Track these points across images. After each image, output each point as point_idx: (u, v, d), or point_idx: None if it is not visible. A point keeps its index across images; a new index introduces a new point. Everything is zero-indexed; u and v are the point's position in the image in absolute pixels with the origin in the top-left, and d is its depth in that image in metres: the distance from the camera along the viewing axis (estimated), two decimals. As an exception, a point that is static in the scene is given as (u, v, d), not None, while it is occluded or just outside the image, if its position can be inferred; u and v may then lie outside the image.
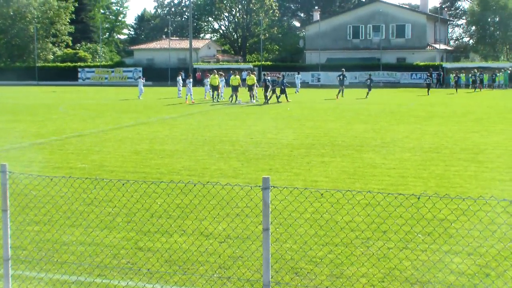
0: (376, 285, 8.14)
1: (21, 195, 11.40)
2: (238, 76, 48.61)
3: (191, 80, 49.87)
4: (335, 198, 11.31)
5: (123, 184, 7.06)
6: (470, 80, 71.68)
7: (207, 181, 14.69)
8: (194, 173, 16.45)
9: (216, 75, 49.39)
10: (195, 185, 7.29)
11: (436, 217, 9.96)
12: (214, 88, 49.11)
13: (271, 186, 6.51)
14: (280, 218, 10.95)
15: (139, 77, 55.78)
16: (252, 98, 48.17)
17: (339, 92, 53.25)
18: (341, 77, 54.47)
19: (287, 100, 47.26)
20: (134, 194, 11.84)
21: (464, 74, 74.38)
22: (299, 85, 66.27)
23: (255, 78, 50.70)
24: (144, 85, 55.94)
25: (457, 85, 68.78)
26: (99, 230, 10.66)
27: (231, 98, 47.99)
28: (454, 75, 71.78)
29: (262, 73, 57.32)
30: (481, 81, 70.74)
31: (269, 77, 51.14)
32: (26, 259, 9.27)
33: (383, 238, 10.01)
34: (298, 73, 69.30)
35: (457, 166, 17.44)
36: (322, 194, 9.57)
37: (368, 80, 55.52)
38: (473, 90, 67.96)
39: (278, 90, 47.88)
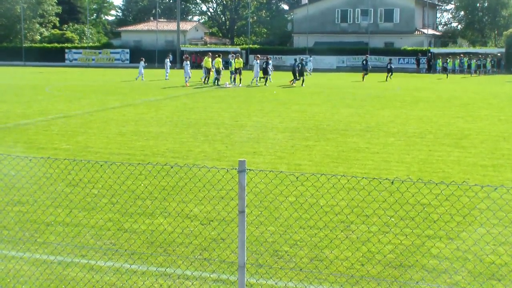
0: (351, 268, 8.27)
1: (0, 174, 11.43)
2: (220, 59, 48.18)
3: (188, 62, 48.97)
4: (311, 181, 11.41)
5: (101, 166, 7.13)
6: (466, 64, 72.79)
7: (186, 163, 14.77)
8: (179, 155, 16.53)
9: (217, 58, 48.26)
10: (172, 167, 7.37)
11: (409, 202, 10.08)
12: (207, 70, 48.39)
13: (247, 169, 6.59)
14: (257, 200, 11.05)
15: (141, 59, 55.65)
16: (239, 81, 47.97)
17: (364, 75, 56.81)
18: (364, 62, 58.81)
19: (292, 83, 48.11)
20: (112, 175, 11.90)
21: (451, 60, 74.71)
22: (311, 67, 66.96)
23: (242, 61, 50.46)
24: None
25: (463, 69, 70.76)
26: (79, 210, 10.73)
27: (215, 81, 47.65)
28: (467, 59, 73.28)
29: (254, 56, 56.90)
30: (484, 65, 72.26)
31: (270, 61, 51.76)
32: (7, 238, 9.34)
33: (358, 221, 10.14)
34: (311, 56, 69.60)
35: (440, 151, 17.59)
36: (297, 178, 9.68)
37: (389, 64, 60.09)
38: (477, 74, 69.36)
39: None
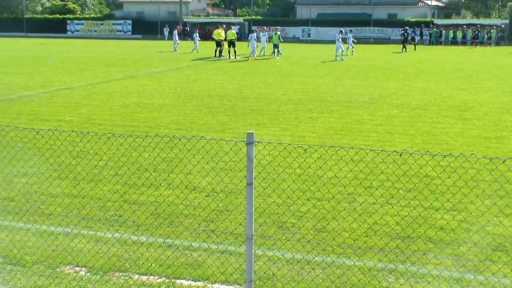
0: (357, 239, 8.29)
1: (8, 147, 11.44)
2: (219, 31, 47.24)
3: (254, 35, 46.76)
4: (319, 153, 11.41)
5: (109, 138, 7.13)
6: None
7: (193, 135, 14.78)
8: (182, 127, 16.52)
9: (231, 30, 46.75)
10: (180, 139, 7.35)
11: (417, 174, 10.09)
12: (219, 43, 46.90)
13: (255, 141, 6.56)
14: (264, 173, 11.06)
15: (196, 31, 56.21)
16: (234, 54, 46.31)
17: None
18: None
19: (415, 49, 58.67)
20: (120, 147, 11.92)
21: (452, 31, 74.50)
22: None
23: (236, 33, 48.75)
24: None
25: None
26: (85, 182, 10.76)
27: (216, 53, 46.93)
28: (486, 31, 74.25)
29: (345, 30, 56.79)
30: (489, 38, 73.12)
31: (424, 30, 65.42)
32: (14, 210, 9.36)
33: (366, 193, 10.15)
34: (421, 29, 69.68)
35: (444, 123, 17.56)
36: (305, 150, 9.67)
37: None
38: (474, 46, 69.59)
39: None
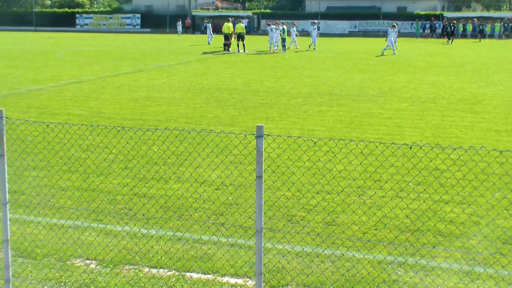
0: (367, 232, 8.29)
1: (18, 140, 11.48)
2: (230, 24, 47.06)
3: (274, 27, 46.81)
4: (328, 146, 11.39)
5: (118, 131, 7.13)
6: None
7: (203, 129, 14.80)
8: (192, 121, 16.53)
9: (239, 23, 46.82)
10: (189, 132, 7.36)
11: (427, 167, 10.06)
12: (227, 36, 46.67)
13: (265, 134, 6.55)
14: (274, 166, 11.06)
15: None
16: (243, 48, 46.05)
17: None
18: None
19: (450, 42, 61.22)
20: (130, 141, 11.94)
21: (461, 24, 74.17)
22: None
23: (244, 26, 48.41)
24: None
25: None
26: (95, 176, 10.79)
27: (225, 47, 46.84)
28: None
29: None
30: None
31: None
32: (24, 203, 9.40)
33: (375, 186, 10.13)
34: (456, 23, 70.65)
35: (453, 116, 17.51)
36: (315, 143, 9.66)
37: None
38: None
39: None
